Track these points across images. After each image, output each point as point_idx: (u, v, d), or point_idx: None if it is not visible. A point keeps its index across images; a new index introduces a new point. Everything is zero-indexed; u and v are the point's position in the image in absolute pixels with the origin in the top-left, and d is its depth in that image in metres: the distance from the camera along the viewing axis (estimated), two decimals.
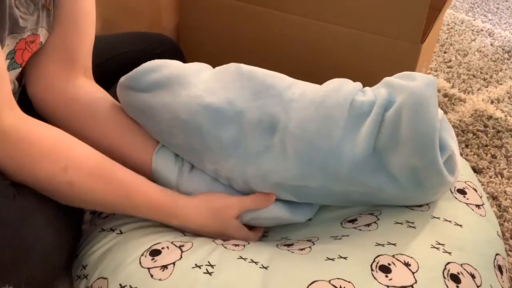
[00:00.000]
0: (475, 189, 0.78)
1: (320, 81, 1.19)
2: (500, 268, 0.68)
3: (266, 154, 0.71)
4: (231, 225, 0.74)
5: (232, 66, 0.77)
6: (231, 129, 0.72)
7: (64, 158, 0.64)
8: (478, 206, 0.75)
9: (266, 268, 0.63)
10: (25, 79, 0.79)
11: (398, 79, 0.70)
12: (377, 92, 0.71)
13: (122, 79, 0.77)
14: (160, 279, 0.62)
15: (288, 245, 0.71)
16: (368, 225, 0.71)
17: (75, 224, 0.73)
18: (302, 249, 0.68)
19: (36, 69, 0.77)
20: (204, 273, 0.62)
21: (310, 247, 0.69)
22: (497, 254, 0.69)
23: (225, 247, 0.68)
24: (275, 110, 0.72)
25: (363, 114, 0.69)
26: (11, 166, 0.62)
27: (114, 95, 0.92)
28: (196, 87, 0.74)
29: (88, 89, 0.79)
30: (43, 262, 0.63)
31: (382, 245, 0.66)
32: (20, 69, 0.72)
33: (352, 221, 0.73)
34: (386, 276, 0.61)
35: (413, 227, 0.69)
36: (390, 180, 0.69)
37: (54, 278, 0.71)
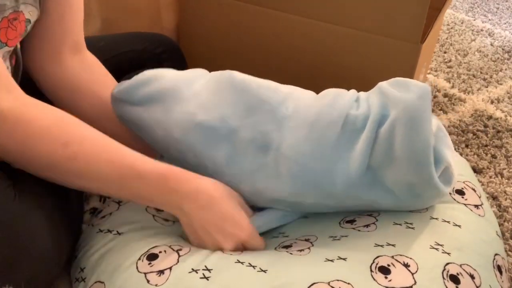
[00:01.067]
0: (473, 189, 0.78)
1: (320, 81, 1.19)
2: (499, 268, 0.69)
3: (260, 173, 0.71)
4: (239, 204, 0.71)
5: (225, 75, 0.76)
6: (225, 148, 0.71)
7: (64, 134, 0.63)
8: (476, 206, 0.75)
9: (264, 271, 0.63)
10: (25, 60, 0.80)
11: (392, 89, 0.69)
12: (371, 103, 0.70)
13: (115, 91, 0.77)
14: (156, 285, 0.62)
15: (287, 247, 0.71)
16: (367, 225, 0.71)
17: (74, 224, 0.73)
18: (301, 250, 0.68)
19: (33, 50, 0.79)
20: (201, 278, 0.62)
21: (309, 248, 0.69)
22: (496, 254, 0.69)
23: (222, 251, 0.67)
24: (269, 129, 0.71)
25: (357, 131, 0.68)
26: (12, 146, 0.62)
27: None
28: (189, 102, 0.73)
29: (83, 65, 0.82)
30: (42, 262, 0.63)
31: (381, 246, 0.66)
32: (7, 47, 0.72)
33: (351, 221, 0.73)
34: (386, 278, 0.61)
35: (412, 228, 0.69)
36: (385, 194, 0.69)
37: (54, 277, 0.71)
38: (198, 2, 1.26)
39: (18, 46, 0.79)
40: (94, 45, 0.87)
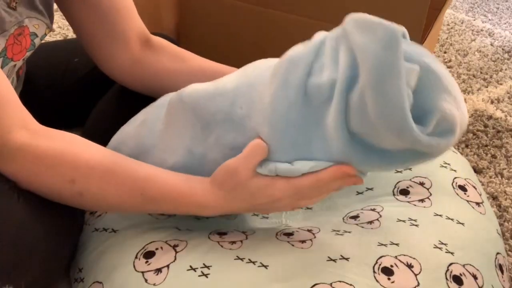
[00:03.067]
0: (474, 187, 0.78)
1: None
2: (500, 267, 0.69)
3: None
4: (254, 187, 0.62)
5: (174, 98, 0.70)
6: (204, 172, 0.67)
7: (69, 170, 0.63)
8: (478, 204, 0.75)
9: (265, 267, 0.62)
10: (99, 65, 0.85)
11: (358, 35, 0.59)
12: (339, 59, 0.60)
13: None
14: (154, 284, 0.61)
15: (288, 235, 0.69)
16: (371, 222, 0.70)
17: (76, 226, 0.73)
18: (303, 242, 0.67)
19: (101, 53, 0.82)
20: (200, 275, 0.61)
21: (311, 240, 0.67)
22: (497, 253, 0.69)
23: (221, 245, 0.66)
24: (232, 138, 0.66)
25: (324, 101, 0.60)
26: (21, 182, 0.62)
27: (115, 96, 0.92)
28: (157, 148, 0.72)
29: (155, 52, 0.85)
30: (44, 264, 0.63)
31: (385, 245, 0.65)
32: (12, 62, 0.72)
33: (354, 217, 0.73)
34: (389, 279, 0.60)
35: (416, 225, 0.68)
36: (383, 156, 0.61)
37: (55, 280, 0.71)
38: (198, 2, 1.26)
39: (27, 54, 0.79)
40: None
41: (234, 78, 0.69)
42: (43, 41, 0.78)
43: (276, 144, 0.62)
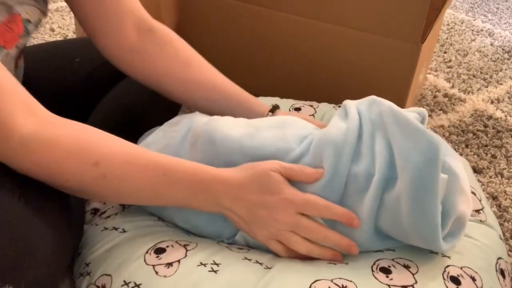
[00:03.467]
0: (474, 193, 0.78)
1: (320, 81, 1.19)
2: (502, 272, 0.68)
3: None
4: (274, 181, 0.64)
5: (203, 135, 0.72)
6: (228, 224, 0.69)
7: (92, 153, 0.62)
8: (477, 211, 0.75)
9: (270, 268, 0.64)
10: (101, 51, 0.82)
11: (401, 139, 0.62)
12: (377, 156, 0.64)
13: None
14: (165, 276, 0.62)
15: None
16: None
17: (77, 225, 0.73)
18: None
19: (97, 36, 0.81)
20: (209, 271, 0.62)
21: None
22: (499, 258, 0.69)
23: (230, 249, 0.68)
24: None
25: (360, 190, 0.64)
26: (40, 174, 0.61)
27: (117, 95, 0.92)
28: None
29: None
30: (45, 263, 0.63)
31: (381, 251, 0.66)
32: (5, 50, 0.71)
33: None
34: (387, 276, 0.61)
35: None
36: (395, 242, 0.66)
37: (56, 279, 0.71)
38: (198, 2, 1.26)
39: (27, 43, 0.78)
40: (90, 49, 0.86)
41: (272, 137, 0.70)
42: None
43: None
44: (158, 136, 0.77)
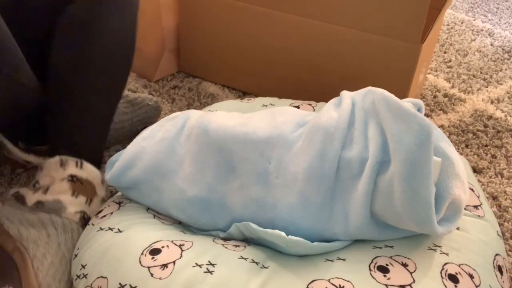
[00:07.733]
0: (472, 189, 0.78)
1: (320, 81, 1.19)
2: (500, 269, 0.68)
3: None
4: None
5: (197, 128, 0.73)
6: (222, 214, 0.72)
7: None
8: (475, 207, 0.75)
9: (266, 268, 0.64)
10: None
11: (393, 124, 0.63)
12: (370, 140, 0.65)
13: (107, 178, 0.77)
14: (160, 278, 0.62)
15: None
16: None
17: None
18: None
19: None
20: (205, 272, 0.62)
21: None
22: (496, 255, 0.69)
23: (226, 247, 0.68)
24: (255, 191, 0.69)
25: (353, 177, 0.65)
26: None
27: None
28: (175, 174, 0.74)
29: None
30: None
31: (380, 248, 0.66)
32: None
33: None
34: (385, 276, 0.61)
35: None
36: (396, 231, 0.67)
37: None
38: (198, 2, 1.26)
39: None
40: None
41: (264, 125, 0.72)
42: None
43: (301, 212, 0.66)
44: (155, 130, 0.78)
